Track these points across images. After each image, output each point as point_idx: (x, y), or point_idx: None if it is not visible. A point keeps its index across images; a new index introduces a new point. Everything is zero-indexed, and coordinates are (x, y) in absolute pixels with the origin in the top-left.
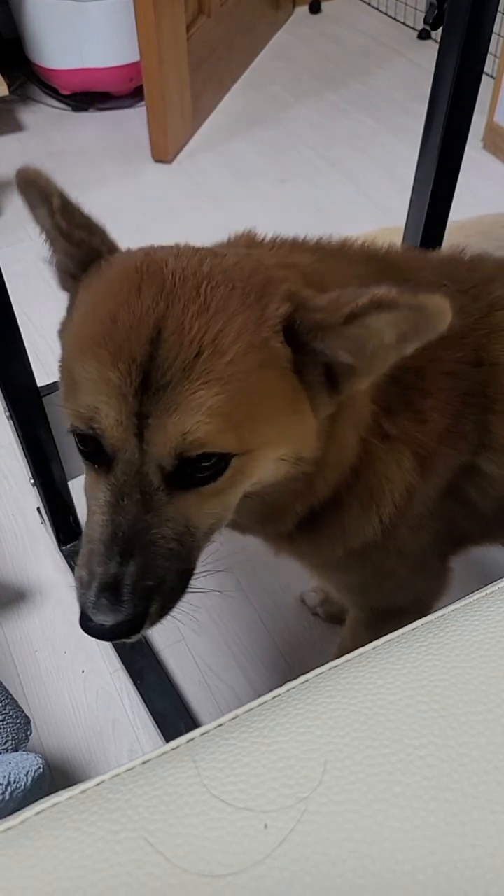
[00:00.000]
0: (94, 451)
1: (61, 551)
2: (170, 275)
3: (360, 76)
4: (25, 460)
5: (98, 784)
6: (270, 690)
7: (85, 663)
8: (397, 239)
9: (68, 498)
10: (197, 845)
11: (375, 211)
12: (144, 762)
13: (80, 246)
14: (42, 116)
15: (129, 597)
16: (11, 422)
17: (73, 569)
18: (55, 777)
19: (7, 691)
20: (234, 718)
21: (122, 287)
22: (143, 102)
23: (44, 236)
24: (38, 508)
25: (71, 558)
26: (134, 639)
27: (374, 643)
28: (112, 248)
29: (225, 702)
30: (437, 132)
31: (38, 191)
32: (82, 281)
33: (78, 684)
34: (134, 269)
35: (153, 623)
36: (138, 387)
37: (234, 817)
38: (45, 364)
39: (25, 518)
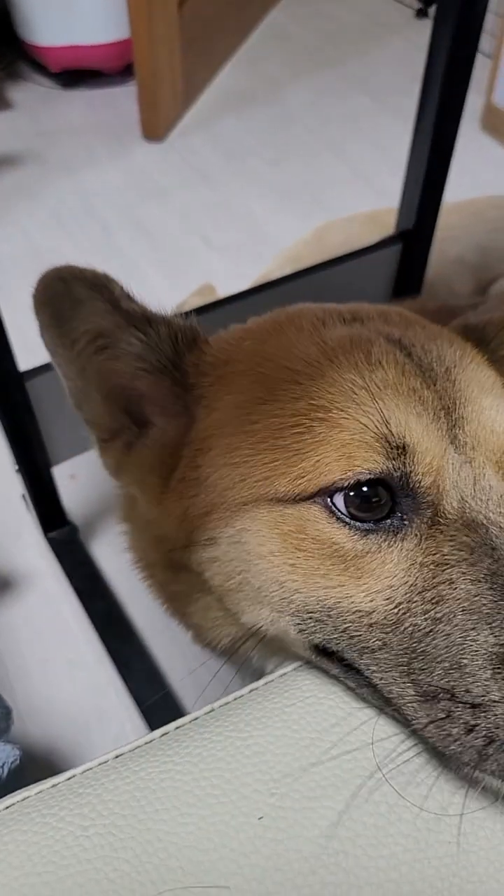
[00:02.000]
0: (383, 507)
1: (46, 539)
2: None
3: (357, 56)
4: (9, 447)
5: (69, 779)
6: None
7: (71, 653)
8: (387, 221)
9: (52, 484)
10: (168, 841)
11: (370, 193)
12: (117, 756)
13: (161, 330)
14: (31, 95)
15: None
16: None
17: (58, 557)
18: (41, 769)
19: None
20: (210, 712)
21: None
22: (133, 80)
23: (82, 346)
24: (23, 495)
25: (56, 546)
26: None
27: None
28: (192, 328)
29: (213, 692)
30: (430, 112)
31: (86, 284)
32: (204, 371)
33: (63, 674)
34: (313, 314)
35: None
36: (423, 381)
37: (206, 812)
38: (30, 347)
39: (10, 505)
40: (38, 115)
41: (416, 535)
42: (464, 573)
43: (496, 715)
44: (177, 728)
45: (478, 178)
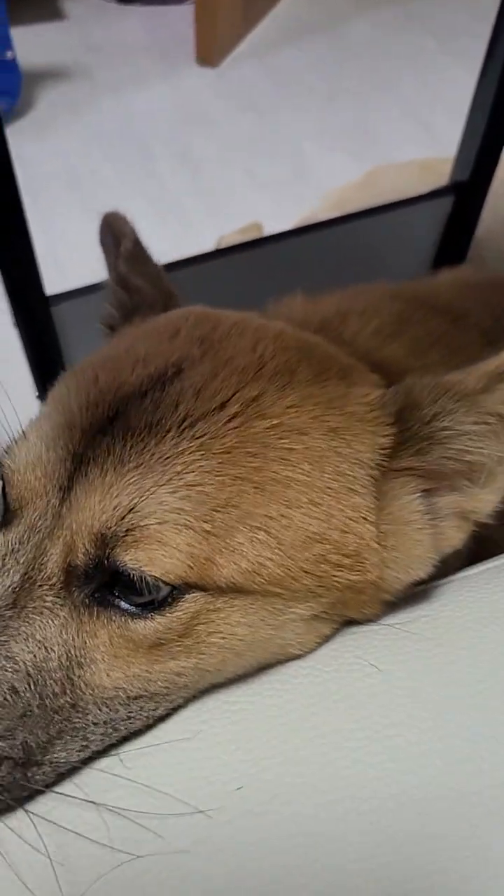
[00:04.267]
0: (4, 500)
1: None
2: (226, 324)
3: None
4: (31, 373)
5: None
6: None
7: None
8: (444, 171)
9: None
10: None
11: (425, 138)
12: None
13: (134, 295)
14: (84, 6)
15: None
16: (18, 330)
17: None
18: None
19: None
20: None
21: (156, 327)
22: (191, 1)
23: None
24: None
25: None
26: None
27: None
28: (171, 303)
29: None
30: (499, 56)
31: (112, 233)
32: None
33: None
34: (182, 315)
35: None
36: (99, 422)
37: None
38: (63, 272)
39: None
40: (91, 29)
41: None
42: None
43: None
44: None
45: None
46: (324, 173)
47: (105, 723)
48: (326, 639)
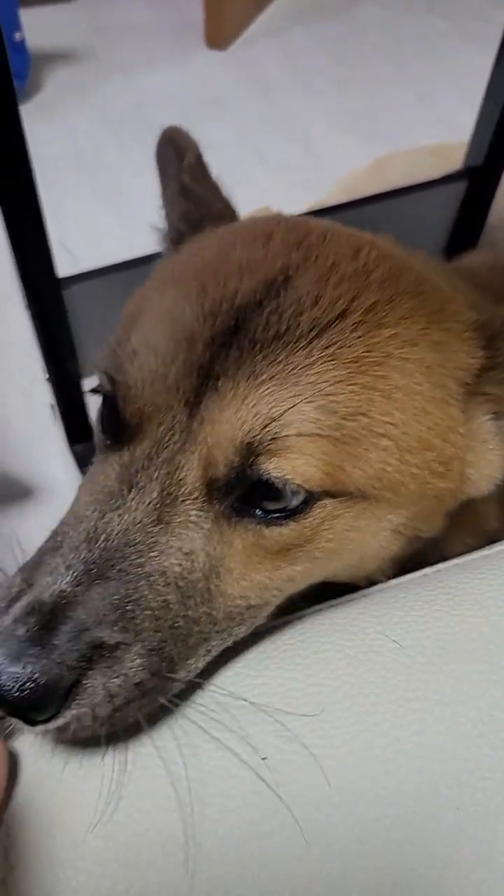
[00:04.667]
0: (112, 419)
1: (71, 451)
2: (317, 230)
3: None
4: (41, 355)
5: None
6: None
7: None
8: (455, 157)
9: (81, 397)
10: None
11: (438, 122)
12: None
13: (199, 205)
14: None
15: (66, 641)
16: (29, 313)
17: (82, 469)
18: None
19: None
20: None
21: (246, 233)
22: None
23: (163, 201)
24: (51, 405)
25: (80, 459)
26: (13, 722)
27: (379, 586)
28: (233, 216)
29: None
30: None
31: (175, 147)
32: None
33: None
34: (270, 220)
35: (68, 710)
36: (221, 333)
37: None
38: (72, 255)
39: (37, 415)
40: (98, 10)
41: None
42: None
43: None
44: None
45: None
46: (335, 157)
47: (224, 630)
48: (392, 559)
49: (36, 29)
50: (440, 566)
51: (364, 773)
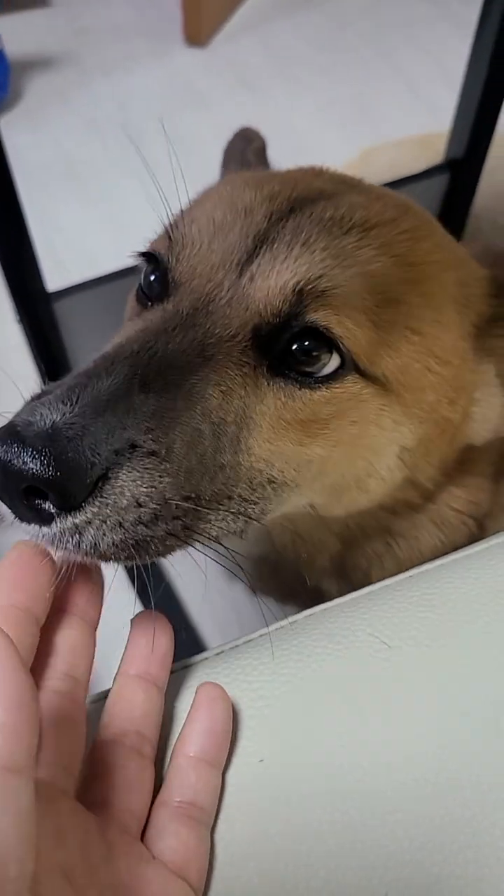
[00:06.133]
0: (161, 280)
1: None
2: (355, 178)
3: None
4: (35, 368)
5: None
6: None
7: None
8: (442, 147)
9: None
10: None
11: (424, 109)
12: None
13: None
14: None
15: (103, 432)
16: (21, 326)
17: None
18: None
19: None
20: (219, 653)
21: (295, 171)
22: None
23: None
24: None
25: None
26: (48, 509)
27: (369, 588)
28: None
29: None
30: (493, 22)
31: (245, 137)
32: None
33: None
34: (314, 166)
35: (91, 504)
36: (278, 211)
37: None
38: (61, 265)
39: None
40: (77, 12)
41: None
42: None
43: None
44: (184, 668)
45: None
46: (320, 150)
47: (240, 499)
48: (394, 486)
49: (14, 36)
50: (423, 567)
51: (356, 773)
